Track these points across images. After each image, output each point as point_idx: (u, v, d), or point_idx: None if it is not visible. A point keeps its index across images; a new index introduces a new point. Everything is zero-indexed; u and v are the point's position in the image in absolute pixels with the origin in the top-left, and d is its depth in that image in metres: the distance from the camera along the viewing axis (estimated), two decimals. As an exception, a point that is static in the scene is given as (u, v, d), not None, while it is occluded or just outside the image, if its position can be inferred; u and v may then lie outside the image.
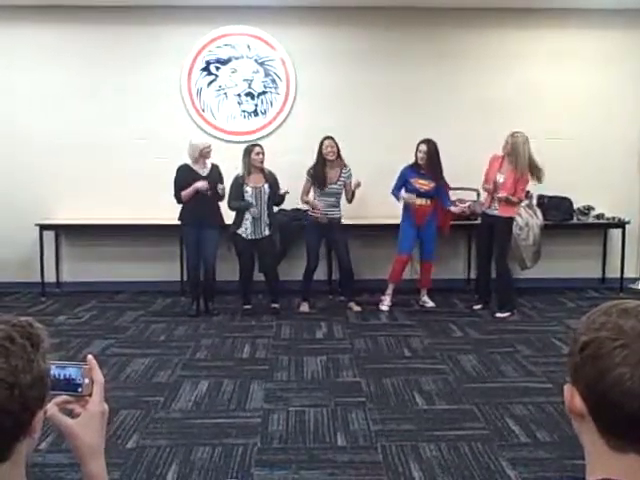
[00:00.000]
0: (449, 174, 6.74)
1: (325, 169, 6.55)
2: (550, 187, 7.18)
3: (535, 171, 6.31)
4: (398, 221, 6.78)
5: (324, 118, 7.26)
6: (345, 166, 6.63)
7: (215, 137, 7.30)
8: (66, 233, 7.57)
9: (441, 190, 6.65)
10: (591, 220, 7.53)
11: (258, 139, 7.16)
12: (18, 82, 7.34)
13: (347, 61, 7.46)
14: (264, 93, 7.53)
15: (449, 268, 7.61)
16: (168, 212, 6.58)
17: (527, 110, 7.40)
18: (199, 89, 7.49)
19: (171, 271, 7.40)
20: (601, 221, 7.53)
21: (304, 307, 6.78)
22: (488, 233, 6.56)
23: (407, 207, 6.68)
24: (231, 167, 6.48)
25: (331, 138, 6.56)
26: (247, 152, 6.44)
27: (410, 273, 7.09)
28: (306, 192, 6.64)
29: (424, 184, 6.60)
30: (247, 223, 6.41)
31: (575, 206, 7.47)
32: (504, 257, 6.50)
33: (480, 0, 7.22)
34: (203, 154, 6.36)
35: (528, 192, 6.90)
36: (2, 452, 1.02)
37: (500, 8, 7.36)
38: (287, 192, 6.47)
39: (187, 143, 6.43)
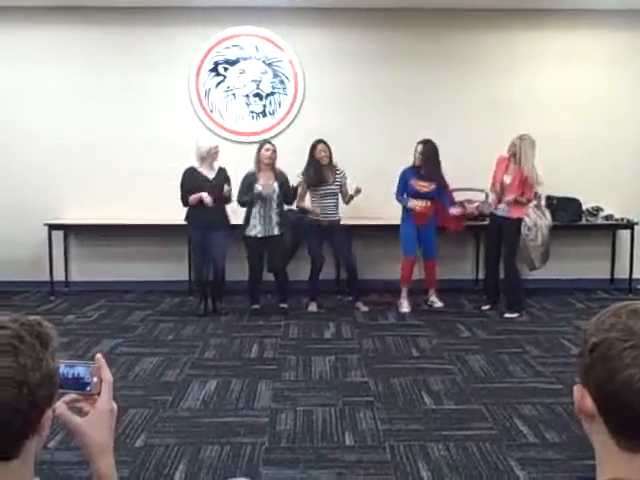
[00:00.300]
0: (457, 175, 6.73)
1: (318, 171, 6.55)
2: (559, 188, 7.19)
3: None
4: (402, 222, 6.80)
5: (332, 119, 7.27)
6: (337, 168, 6.63)
7: (223, 138, 7.31)
8: (75, 233, 7.60)
9: (441, 191, 6.65)
10: (600, 221, 7.50)
11: (266, 140, 7.16)
12: (29, 83, 7.38)
13: (355, 62, 7.45)
14: (272, 94, 7.54)
15: (457, 268, 7.60)
16: (176, 212, 6.58)
17: (535, 111, 7.38)
18: (207, 90, 7.50)
19: (179, 271, 7.41)
20: (610, 222, 7.50)
21: (312, 307, 6.79)
22: (496, 234, 6.55)
23: (407, 209, 6.68)
24: (238, 168, 6.48)
25: (324, 142, 6.56)
26: (258, 148, 6.48)
27: (419, 273, 7.08)
28: (302, 198, 6.64)
29: (424, 185, 6.60)
30: (255, 221, 6.41)
31: (584, 207, 7.44)
32: (512, 258, 6.49)
33: (488, 2, 7.21)
34: (210, 155, 6.36)
35: (536, 193, 6.89)
36: (11, 450, 1.03)
37: (508, 9, 7.35)
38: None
39: (195, 144, 6.44)
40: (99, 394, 1.23)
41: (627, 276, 7.48)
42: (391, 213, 6.93)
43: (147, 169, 7.34)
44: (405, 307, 6.76)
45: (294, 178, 6.51)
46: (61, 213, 7.43)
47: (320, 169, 6.55)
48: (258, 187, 6.36)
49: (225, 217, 6.49)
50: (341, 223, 6.77)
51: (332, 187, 6.61)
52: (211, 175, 6.39)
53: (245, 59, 7.50)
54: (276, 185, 6.42)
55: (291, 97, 7.53)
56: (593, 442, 1.03)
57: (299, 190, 6.55)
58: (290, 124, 7.53)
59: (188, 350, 5.50)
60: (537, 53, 7.49)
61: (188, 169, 6.41)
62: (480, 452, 3.61)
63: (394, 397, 4.46)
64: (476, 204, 6.89)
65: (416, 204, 6.60)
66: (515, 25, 7.45)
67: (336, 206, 6.69)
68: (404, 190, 6.65)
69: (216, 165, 6.45)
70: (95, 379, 1.23)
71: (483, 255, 7.27)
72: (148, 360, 5.23)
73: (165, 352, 5.44)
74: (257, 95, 7.53)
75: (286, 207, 6.67)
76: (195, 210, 6.35)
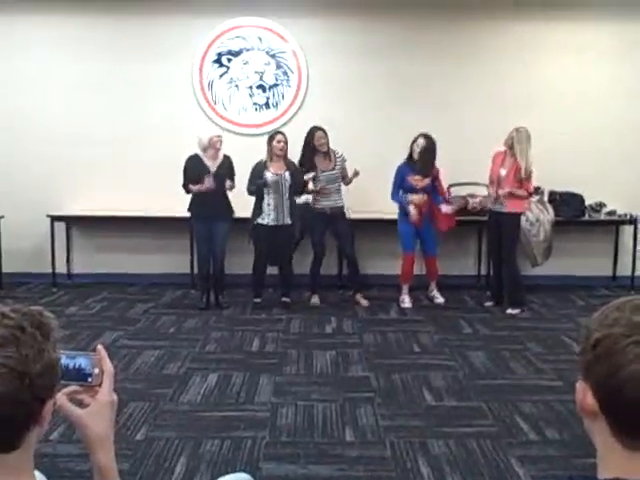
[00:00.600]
0: (461, 168, 6.72)
1: (314, 157, 6.54)
2: (561, 183, 7.15)
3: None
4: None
5: (336, 110, 7.24)
6: (337, 152, 6.62)
7: (226, 129, 7.29)
8: (77, 225, 7.60)
9: (434, 187, 6.65)
10: (603, 217, 7.45)
11: (269, 132, 7.15)
12: (33, 73, 7.37)
13: (359, 53, 7.42)
14: (276, 85, 7.51)
15: (459, 264, 7.58)
16: (179, 204, 6.57)
17: (540, 104, 7.34)
18: (211, 81, 7.48)
19: (181, 263, 7.40)
20: (613, 218, 7.46)
21: (315, 300, 6.78)
22: (496, 230, 6.53)
23: (403, 205, 6.67)
24: (241, 160, 6.47)
25: (322, 129, 6.55)
26: (270, 139, 6.48)
27: (420, 269, 7.07)
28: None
29: (419, 180, 6.59)
30: (269, 209, 6.38)
31: (587, 202, 7.41)
32: (512, 253, 6.47)
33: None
34: (212, 144, 6.33)
35: (539, 188, 6.88)
36: (13, 441, 1.02)
37: (515, 0, 7.31)
38: (314, 179, 6.47)
39: (196, 137, 6.42)
40: (100, 386, 1.23)
41: (629, 273, 7.45)
42: (393, 207, 6.92)
43: (150, 161, 7.32)
44: (406, 303, 6.76)
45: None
46: (63, 205, 7.41)
47: (314, 157, 6.54)
48: (268, 175, 6.35)
49: (229, 206, 6.47)
50: (345, 217, 6.75)
51: (334, 172, 6.61)
52: (215, 164, 6.37)
53: (248, 50, 7.47)
54: (287, 174, 6.40)
55: (295, 88, 7.51)
56: (594, 441, 1.02)
57: (309, 185, 6.53)
58: (294, 116, 7.50)
59: (189, 343, 5.50)
60: (544, 45, 7.43)
61: (191, 156, 6.38)
62: (480, 449, 3.61)
63: (395, 393, 4.45)
64: (479, 198, 6.86)
65: (414, 198, 6.59)
66: (522, 17, 7.39)
67: (339, 191, 6.68)
68: (400, 187, 6.64)
69: (221, 154, 6.43)
70: (96, 370, 1.23)
71: (485, 251, 7.27)
72: (149, 353, 5.23)
73: (166, 345, 5.44)
74: (260, 87, 7.51)
75: (299, 200, 6.66)
76: (198, 200, 6.33)
